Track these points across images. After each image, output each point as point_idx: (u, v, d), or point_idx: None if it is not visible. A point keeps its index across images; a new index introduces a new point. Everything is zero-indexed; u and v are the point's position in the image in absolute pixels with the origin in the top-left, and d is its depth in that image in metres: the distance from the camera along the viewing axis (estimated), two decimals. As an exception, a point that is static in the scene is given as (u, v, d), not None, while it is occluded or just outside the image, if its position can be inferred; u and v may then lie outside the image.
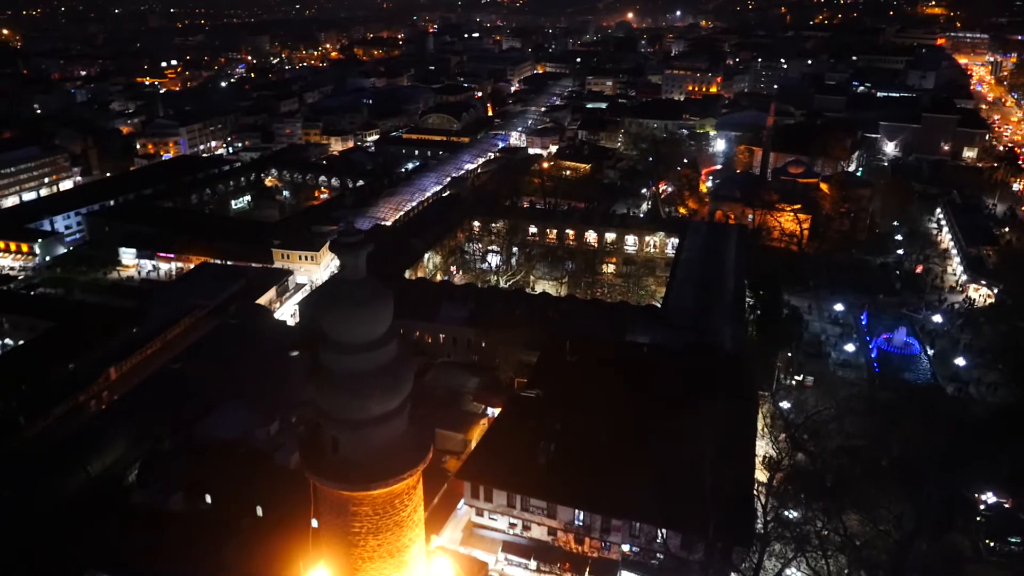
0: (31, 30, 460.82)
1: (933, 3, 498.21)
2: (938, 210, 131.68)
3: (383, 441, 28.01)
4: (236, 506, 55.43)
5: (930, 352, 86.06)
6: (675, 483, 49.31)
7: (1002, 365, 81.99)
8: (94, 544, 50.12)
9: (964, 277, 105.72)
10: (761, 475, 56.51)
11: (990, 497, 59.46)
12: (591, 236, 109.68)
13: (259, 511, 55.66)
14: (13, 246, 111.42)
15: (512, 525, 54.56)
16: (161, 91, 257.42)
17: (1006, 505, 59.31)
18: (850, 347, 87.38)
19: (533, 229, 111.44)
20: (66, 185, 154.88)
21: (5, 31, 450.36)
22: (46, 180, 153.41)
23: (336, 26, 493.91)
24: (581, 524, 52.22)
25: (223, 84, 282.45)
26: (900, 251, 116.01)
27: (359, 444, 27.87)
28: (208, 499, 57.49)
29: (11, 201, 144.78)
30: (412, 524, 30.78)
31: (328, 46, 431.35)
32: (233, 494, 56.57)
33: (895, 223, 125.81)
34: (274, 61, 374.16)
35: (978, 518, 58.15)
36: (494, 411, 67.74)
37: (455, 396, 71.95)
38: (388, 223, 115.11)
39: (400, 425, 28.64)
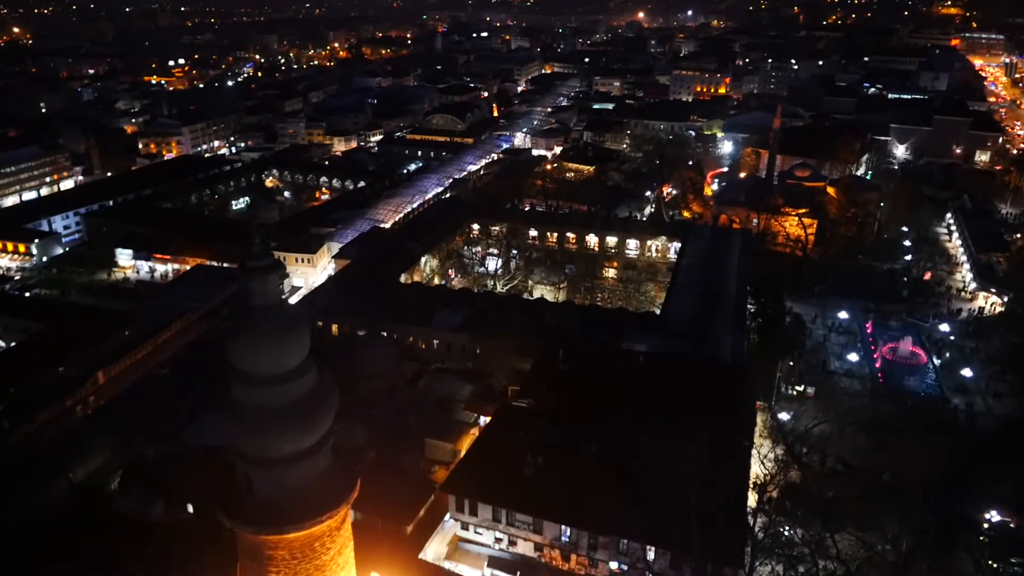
0: (42, 28, 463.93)
1: (948, 3, 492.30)
2: (948, 215, 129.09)
3: (300, 480, 26.37)
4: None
5: (937, 362, 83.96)
6: (664, 499, 48.01)
7: (1011, 376, 79.82)
8: (72, 554, 49.13)
9: (973, 285, 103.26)
10: (756, 490, 54.79)
11: (994, 515, 57.39)
12: (592, 240, 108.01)
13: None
14: (10, 246, 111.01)
15: (498, 540, 53.26)
16: (168, 90, 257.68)
17: (1010, 524, 57.25)
18: (853, 356, 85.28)
19: (533, 232, 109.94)
20: (67, 185, 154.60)
21: (16, 29, 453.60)
22: (47, 180, 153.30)
23: (345, 25, 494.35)
24: (568, 540, 50.85)
25: (229, 83, 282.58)
26: (908, 257, 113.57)
27: (274, 484, 26.26)
28: (190, 509, 56.36)
29: (11, 200, 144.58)
30: (337, 568, 29.08)
31: (336, 45, 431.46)
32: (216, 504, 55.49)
33: (904, 228, 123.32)
34: (282, 60, 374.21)
35: (981, 537, 56.13)
36: (486, 420, 66.31)
37: (447, 404, 70.61)
38: (387, 225, 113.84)
39: (320, 463, 26.83)
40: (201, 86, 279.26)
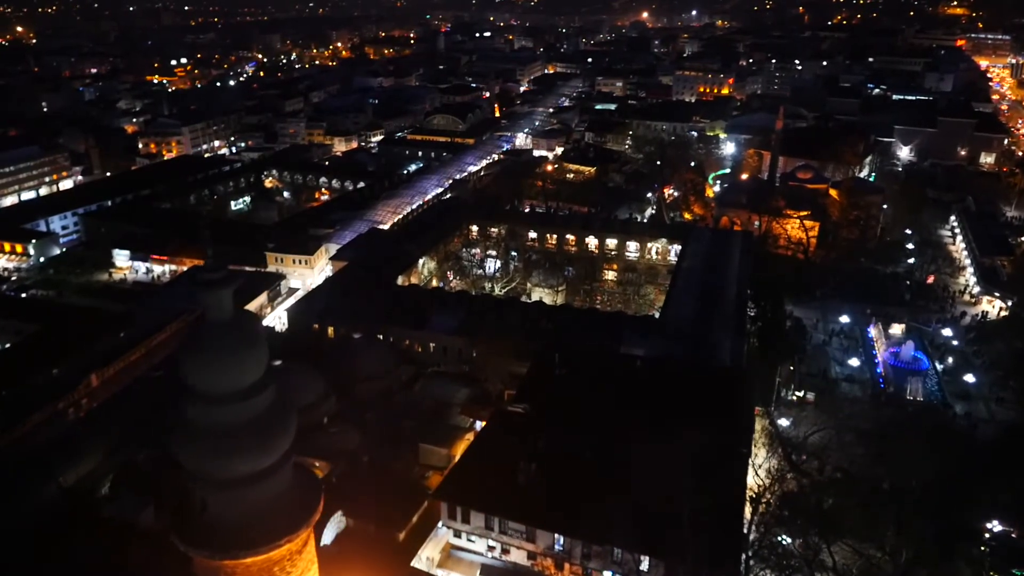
0: (45, 27, 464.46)
1: (955, 3, 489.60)
2: (952, 218, 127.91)
3: (258, 502, 25.25)
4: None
5: (939, 368, 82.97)
6: (658, 508, 47.20)
7: (1014, 382, 78.78)
8: (61, 559, 48.53)
9: (977, 288, 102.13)
10: (752, 498, 53.94)
11: (995, 526, 56.40)
12: (592, 242, 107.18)
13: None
14: (8, 247, 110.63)
15: (491, 548, 52.56)
16: (169, 89, 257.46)
17: (1012, 534, 56.25)
18: (855, 361, 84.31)
19: (533, 234, 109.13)
20: (66, 185, 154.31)
21: (19, 29, 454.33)
22: (47, 180, 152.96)
23: (349, 25, 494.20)
24: (561, 549, 50.12)
25: (231, 83, 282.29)
26: (911, 260, 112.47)
27: (229, 506, 25.16)
28: (180, 514, 55.75)
29: (10, 200, 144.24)
30: (299, 593, 27.73)
31: (339, 45, 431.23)
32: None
33: (907, 231, 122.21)
34: (284, 60, 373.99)
35: (982, 548, 55.12)
36: (482, 424, 65.62)
37: (443, 408, 69.99)
38: (386, 226, 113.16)
39: (279, 483, 25.68)
40: (203, 86, 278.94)
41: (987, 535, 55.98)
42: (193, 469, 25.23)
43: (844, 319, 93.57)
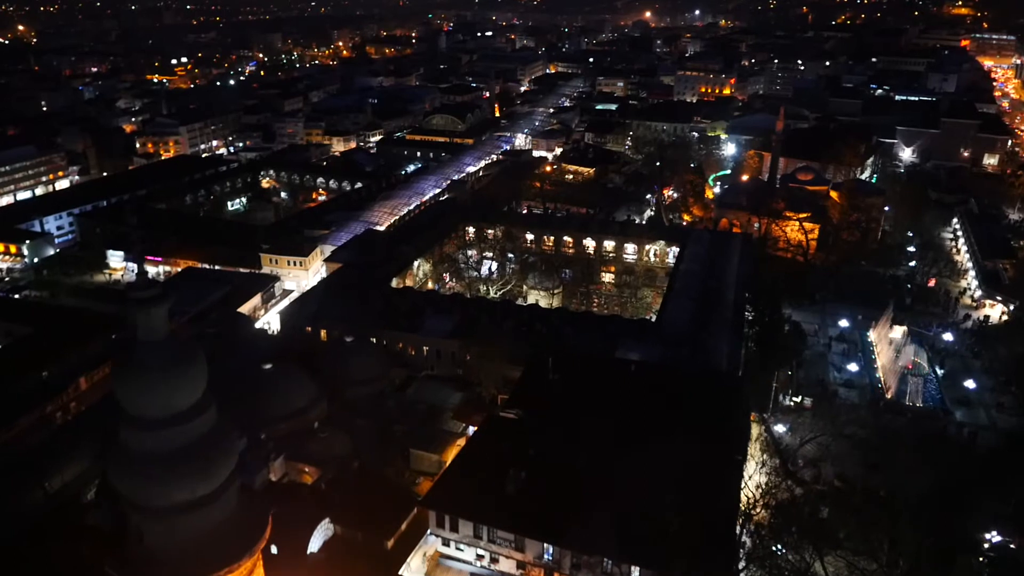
0: (47, 26, 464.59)
1: (960, 3, 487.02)
2: (954, 220, 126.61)
3: (197, 531, 24.19)
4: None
5: (939, 372, 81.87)
6: (650, 517, 46.30)
7: (1015, 388, 77.68)
8: (44, 566, 47.77)
9: (979, 292, 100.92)
10: (747, 507, 52.97)
11: (995, 536, 55.36)
12: (589, 244, 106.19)
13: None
14: (1, 247, 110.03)
15: (480, 557, 51.76)
16: (169, 89, 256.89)
17: (1011, 545, 55.21)
18: (853, 366, 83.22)
19: (530, 236, 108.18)
20: (63, 184, 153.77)
21: (20, 27, 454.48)
22: (43, 179, 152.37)
23: (351, 24, 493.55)
24: (551, 559, 49.24)
25: (231, 82, 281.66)
26: (912, 263, 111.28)
27: (166, 536, 24.16)
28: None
29: (5, 200, 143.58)
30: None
31: (341, 44, 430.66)
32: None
33: (909, 233, 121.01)
34: (285, 59, 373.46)
35: (981, 559, 54.13)
36: (475, 430, 64.76)
37: (435, 413, 69.25)
38: (382, 228, 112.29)
39: (221, 511, 24.49)
40: (202, 85, 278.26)
41: (986, 546, 54.98)
42: (127, 497, 24.00)
43: (843, 323, 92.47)
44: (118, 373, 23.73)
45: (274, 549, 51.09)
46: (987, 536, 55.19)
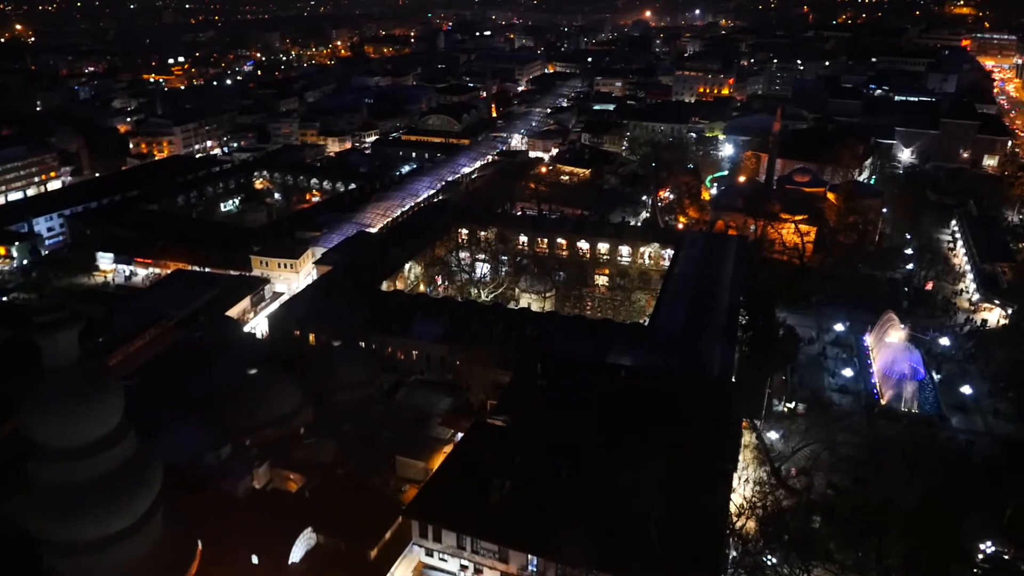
0: (44, 25, 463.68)
1: (961, 3, 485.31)
2: (953, 222, 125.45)
3: (115, 568, 22.82)
4: (173, 539, 51.94)
5: (936, 377, 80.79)
6: (636, 528, 45.41)
7: (1012, 393, 76.58)
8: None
9: (977, 296, 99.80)
10: (736, 517, 52.01)
11: (989, 546, 54.37)
12: (583, 246, 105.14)
13: (198, 544, 52.02)
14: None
15: (463, 568, 50.76)
16: (165, 88, 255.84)
17: (1005, 556, 54.23)
18: (848, 372, 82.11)
19: (523, 238, 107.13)
20: (55, 185, 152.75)
21: (18, 27, 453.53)
22: (35, 180, 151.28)
23: (350, 23, 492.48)
24: (535, 570, 48.22)
25: (228, 82, 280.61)
26: (910, 266, 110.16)
27: (80, 573, 22.86)
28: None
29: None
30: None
31: (339, 44, 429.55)
32: (171, 526, 53.13)
33: (907, 236, 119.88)
34: (283, 59, 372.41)
35: (975, 570, 53.18)
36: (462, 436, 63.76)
37: (424, 418, 68.30)
38: (374, 229, 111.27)
39: (140, 545, 23.13)
40: (199, 85, 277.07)
41: (980, 556, 54.02)
42: (36, 532, 22.62)
43: (839, 327, 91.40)
44: (23, 401, 22.31)
45: (255, 559, 50.25)
46: (981, 546, 54.22)
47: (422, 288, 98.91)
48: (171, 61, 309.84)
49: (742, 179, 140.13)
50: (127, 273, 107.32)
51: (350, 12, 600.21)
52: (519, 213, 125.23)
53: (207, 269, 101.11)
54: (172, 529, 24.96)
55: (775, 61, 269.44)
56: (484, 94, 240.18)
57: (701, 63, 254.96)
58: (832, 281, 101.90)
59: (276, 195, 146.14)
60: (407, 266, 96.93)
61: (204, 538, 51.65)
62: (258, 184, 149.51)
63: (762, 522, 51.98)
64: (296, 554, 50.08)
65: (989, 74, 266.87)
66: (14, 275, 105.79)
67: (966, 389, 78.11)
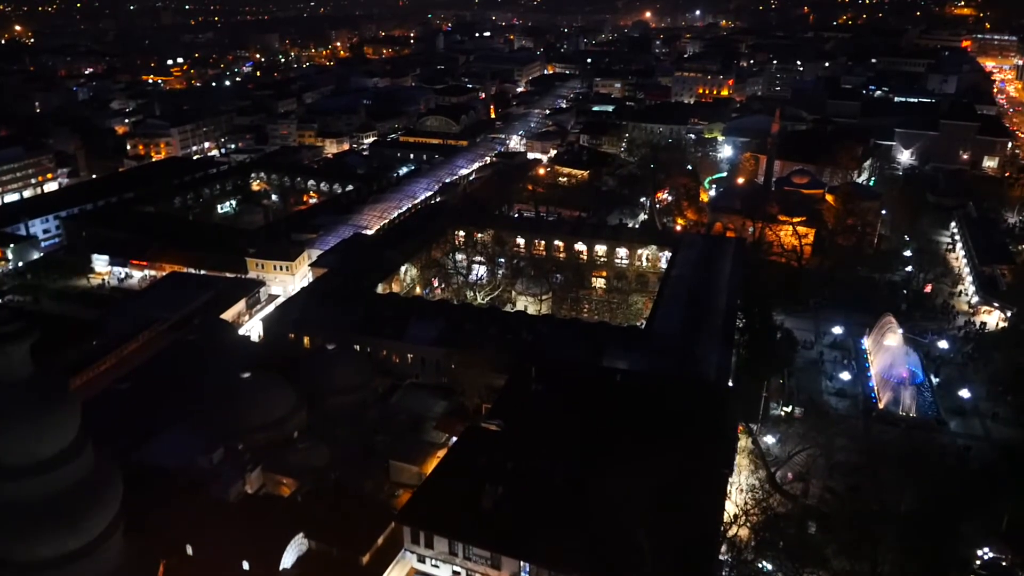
0: (44, 26, 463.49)
1: (962, 3, 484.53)
2: (952, 224, 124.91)
3: None
4: (164, 543, 51.53)
5: (935, 381, 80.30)
6: (629, 534, 44.93)
7: (1011, 397, 76.10)
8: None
9: (976, 298, 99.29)
10: (731, 523, 51.55)
11: (987, 552, 53.89)
12: (580, 248, 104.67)
13: (188, 550, 51.58)
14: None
15: (455, 574, 50.31)
16: (164, 90, 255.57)
17: (1003, 562, 53.73)
18: (846, 375, 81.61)
19: (520, 240, 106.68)
20: (52, 187, 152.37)
21: (17, 28, 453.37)
22: (32, 181, 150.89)
23: (349, 24, 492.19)
24: (528, 577, 47.71)
25: (227, 83, 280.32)
26: (909, 268, 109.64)
27: None
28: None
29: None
30: None
31: (339, 44, 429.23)
32: (162, 529, 52.69)
33: (906, 238, 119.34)
34: (282, 60, 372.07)
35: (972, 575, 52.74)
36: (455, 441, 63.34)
37: (418, 422, 68.05)
38: (371, 232, 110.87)
39: (98, 565, 22.38)
40: (197, 86, 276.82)
41: (977, 563, 53.55)
42: None
43: (837, 330, 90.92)
44: None
45: (246, 565, 49.88)
46: (979, 552, 53.76)
47: (418, 291, 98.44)
48: (170, 62, 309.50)
49: (741, 181, 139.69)
50: (122, 275, 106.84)
51: (350, 13, 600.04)
52: (516, 215, 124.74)
53: (202, 272, 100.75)
54: (133, 547, 24.40)
55: (775, 62, 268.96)
56: (483, 95, 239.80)
57: (700, 64, 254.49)
58: (830, 283, 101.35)
59: (273, 197, 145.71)
60: (403, 269, 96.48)
61: (195, 543, 51.59)
62: (255, 186, 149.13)
63: (757, 528, 51.52)
64: (287, 560, 49.74)
65: (989, 75, 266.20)
66: (9, 277, 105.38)
67: (964, 393, 77.55)
